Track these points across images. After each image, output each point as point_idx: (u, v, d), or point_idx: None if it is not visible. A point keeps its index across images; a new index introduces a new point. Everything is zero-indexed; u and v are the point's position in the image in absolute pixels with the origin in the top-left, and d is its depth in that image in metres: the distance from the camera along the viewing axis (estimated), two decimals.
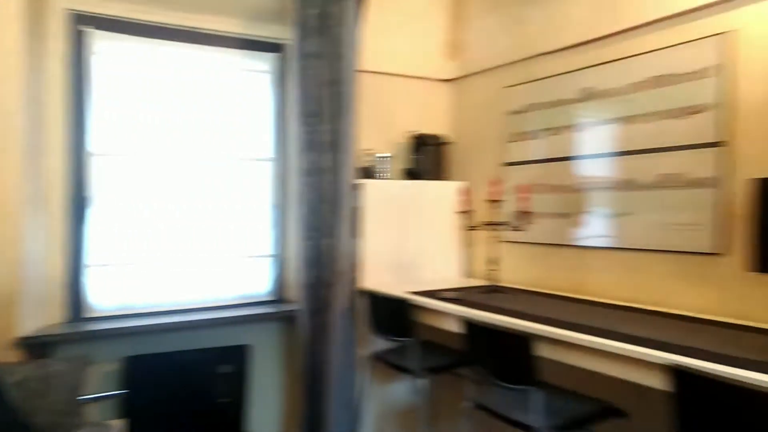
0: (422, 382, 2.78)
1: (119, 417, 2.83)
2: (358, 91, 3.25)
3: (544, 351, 2.13)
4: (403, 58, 3.65)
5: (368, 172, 3.42)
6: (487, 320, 2.29)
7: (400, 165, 3.65)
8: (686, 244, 2.45)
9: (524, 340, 2.04)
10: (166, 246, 3.13)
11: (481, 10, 3.59)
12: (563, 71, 3.04)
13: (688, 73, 2.45)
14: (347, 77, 3.20)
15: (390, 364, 2.97)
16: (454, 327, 2.61)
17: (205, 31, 3.18)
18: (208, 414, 3.09)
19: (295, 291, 3.31)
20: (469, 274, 3.67)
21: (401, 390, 3.47)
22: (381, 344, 3.17)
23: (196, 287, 3.22)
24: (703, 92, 2.39)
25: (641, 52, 2.64)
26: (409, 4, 3.62)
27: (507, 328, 2.15)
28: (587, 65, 2.91)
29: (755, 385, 1.45)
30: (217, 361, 3.14)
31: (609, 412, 2.18)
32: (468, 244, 3.67)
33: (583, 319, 2.24)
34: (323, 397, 3.18)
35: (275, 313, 3.25)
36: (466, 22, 3.71)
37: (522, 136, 3.30)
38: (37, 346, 2.66)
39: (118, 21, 2.96)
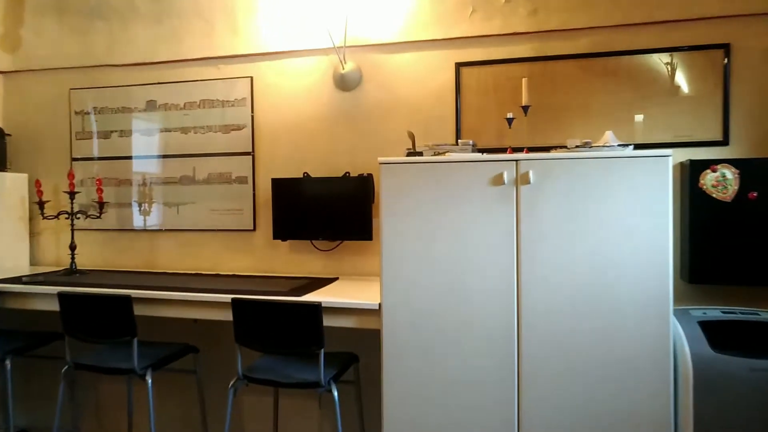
0: (6, 365, 2.95)
1: None
2: None
3: (137, 310, 2.74)
4: None
5: None
6: (83, 291, 2.74)
7: None
8: (232, 224, 3.43)
9: (124, 300, 2.62)
10: None
11: (39, 11, 3.76)
12: (130, 83, 3.61)
13: (229, 101, 3.41)
14: None
15: None
16: (43, 306, 2.91)
17: None
18: None
19: None
20: (40, 263, 3.83)
21: None
22: None
23: None
24: (241, 116, 3.39)
25: (195, 79, 3.48)
26: None
27: (105, 294, 2.67)
28: (151, 82, 3.56)
29: (277, 300, 2.48)
30: None
31: (186, 349, 2.96)
32: (33, 234, 3.82)
33: (159, 284, 2.94)
34: None
35: None
36: (22, 19, 3.80)
37: (90, 134, 3.70)
38: None
39: None
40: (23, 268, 3.67)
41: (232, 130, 3.42)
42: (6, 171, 3.70)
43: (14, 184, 3.70)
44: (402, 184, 2.40)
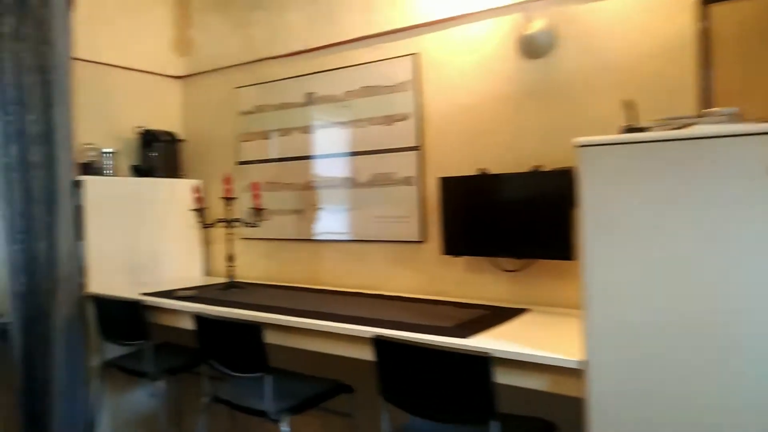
0: (160, 385, 2.73)
1: None
2: (73, 79, 3.01)
3: (274, 338, 2.29)
4: (126, 49, 3.47)
5: (90, 168, 3.19)
6: (215, 314, 2.36)
7: (128, 161, 3.47)
8: (397, 234, 2.84)
9: (254, 329, 2.17)
10: None
11: (205, 9, 3.60)
12: (289, 76, 3.23)
13: (390, 86, 2.83)
14: (59, 64, 2.94)
15: (125, 370, 2.85)
16: (190, 325, 2.62)
17: None
18: None
19: (6, 301, 2.92)
20: (210, 273, 3.68)
21: (140, 396, 3.33)
22: (114, 351, 3.00)
23: None
24: (404, 103, 2.79)
25: (354, 63, 2.97)
26: None
27: (235, 319, 2.25)
28: (309, 72, 3.15)
29: (429, 345, 1.80)
30: None
31: (338, 388, 2.43)
32: (207, 243, 3.67)
33: (312, 306, 2.46)
34: (46, 418, 2.90)
35: None
36: (191, 19, 3.68)
37: (254, 135, 3.42)
38: None
39: None
40: (195, 279, 3.52)
41: (396, 121, 2.84)
42: (179, 177, 3.59)
43: (187, 191, 3.56)
44: (614, 176, 1.56)
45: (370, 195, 2.94)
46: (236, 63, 3.47)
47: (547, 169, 2.35)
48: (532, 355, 1.70)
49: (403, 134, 2.80)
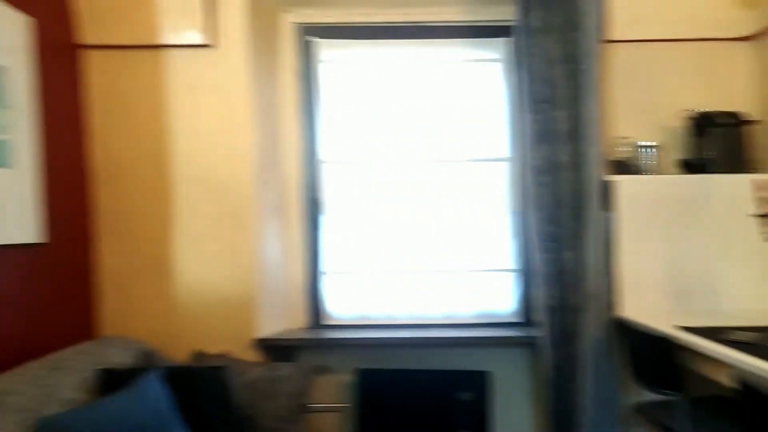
0: None
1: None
2: (604, 66, 2.59)
3: None
4: (673, 16, 2.78)
5: (625, 167, 2.68)
6: None
7: (673, 155, 2.78)
8: None
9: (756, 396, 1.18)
10: (401, 255, 2.94)
11: None
12: None
13: None
14: (587, 51, 2.57)
15: (655, 423, 2.21)
16: (732, 383, 1.76)
17: (427, 24, 2.92)
18: None
19: (539, 313, 2.74)
20: None
21: None
22: (648, 394, 2.40)
23: (434, 301, 2.95)
24: None
25: None
26: None
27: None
28: None
29: None
30: (453, 386, 2.80)
31: None
32: None
33: None
34: None
35: (520, 338, 2.73)
36: None
37: None
38: (276, 349, 2.71)
39: (341, 27, 2.92)
40: (764, 314, 2.51)
41: None
42: (747, 172, 2.65)
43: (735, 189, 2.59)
44: None
45: None
46: None
47: None
48: None
49: None
